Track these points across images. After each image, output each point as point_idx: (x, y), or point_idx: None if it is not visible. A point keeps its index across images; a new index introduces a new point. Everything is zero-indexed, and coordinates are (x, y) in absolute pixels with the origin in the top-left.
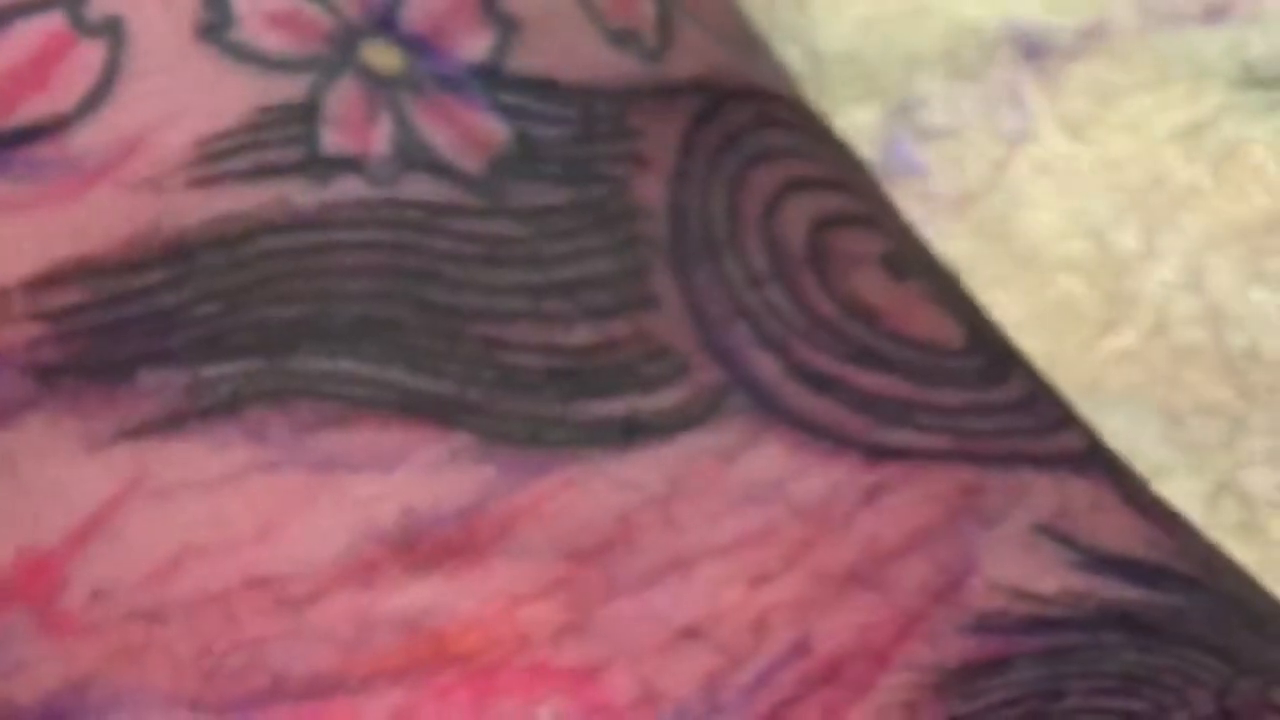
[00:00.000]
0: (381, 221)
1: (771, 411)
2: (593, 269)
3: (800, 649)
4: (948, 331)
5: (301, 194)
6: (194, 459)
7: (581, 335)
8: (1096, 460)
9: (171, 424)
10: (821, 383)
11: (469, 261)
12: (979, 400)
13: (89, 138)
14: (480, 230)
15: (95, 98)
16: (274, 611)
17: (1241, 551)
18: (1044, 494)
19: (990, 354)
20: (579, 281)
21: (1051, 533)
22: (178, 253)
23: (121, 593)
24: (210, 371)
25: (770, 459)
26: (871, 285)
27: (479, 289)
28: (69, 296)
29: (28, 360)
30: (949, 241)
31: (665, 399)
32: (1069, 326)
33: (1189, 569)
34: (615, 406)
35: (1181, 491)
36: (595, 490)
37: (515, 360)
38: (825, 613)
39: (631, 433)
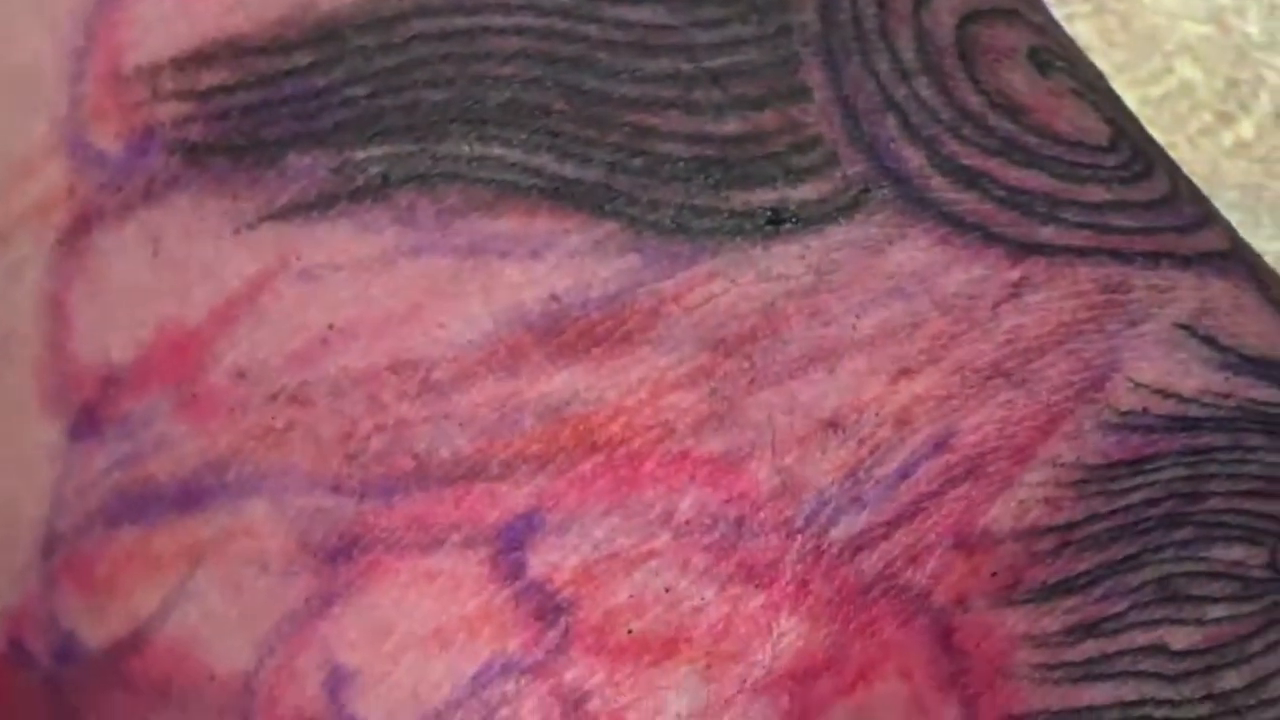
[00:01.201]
0: (534, 7)
1: (918, 205)
2: (743, 58)
3: (942, 443)
4: (1093, 127)
5: None
6: (341, 241)
7: (731, 125)
8: (1238, 260)
9: (320, 206)
10: (968, 177)
11: (620, 48)
12: (1123, 197)
13: None
14: (632, 17)
15: None
16: (418, 395)
17: None
18: (1187, 293)
19: (1134, 150)
20: (729, 70)
21: (1195, 332)
22: (328, 34)
23: (266, 374)
24: (359, 154)
25: (915, 252)
26: (1018, 80)
27: (630, 76)
28: (218, 76)
29: (176, 138)
30: (1072, 23)
31: (813, 190)
32: (1187, 115)
33: None
34: (763, 196)
35: None
36: (742, 280)
37: (664, 149)
38: (967, 408)
39: (778, 223)
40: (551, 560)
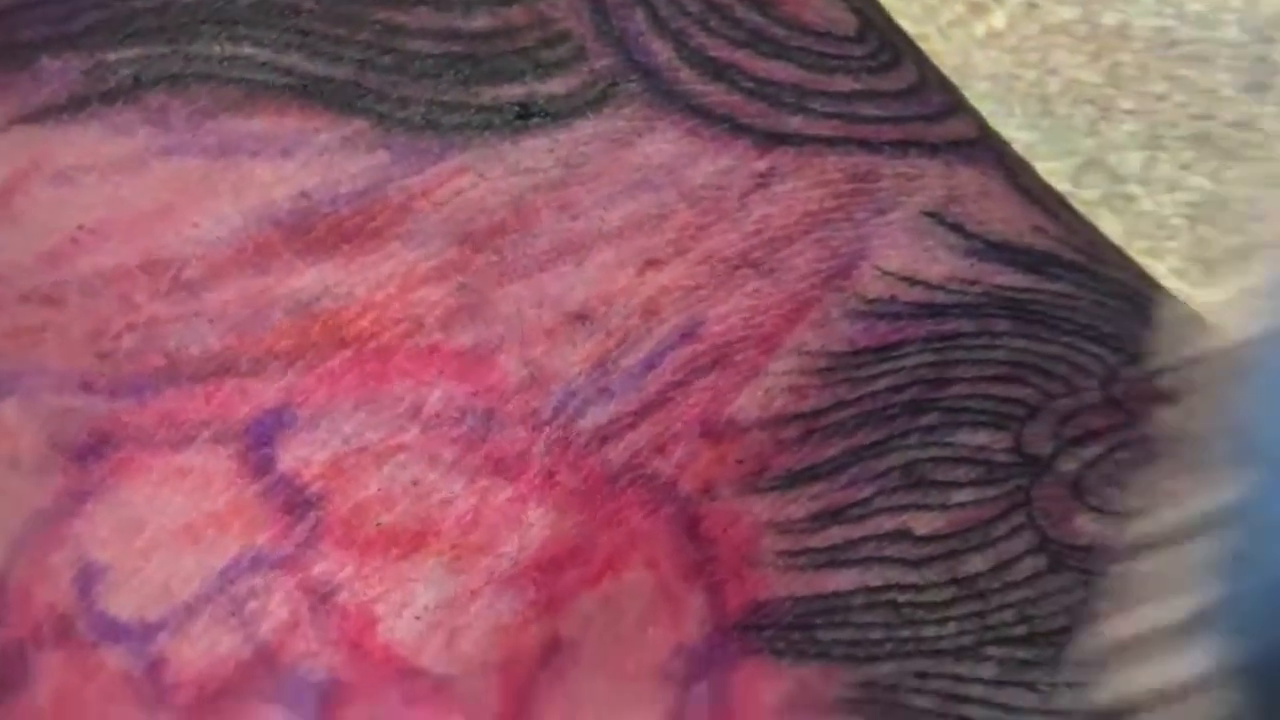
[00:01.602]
0: None
1: (665, 97)
2: None
3: (689, 333)
4: (840, 18)
5: None
6: (93, 143)
7: (480, 21)
8: (986, 147)
9: (71, 108)
10: (715, 68)
11: None
12: (871, 86)
13: None
14: None
15: None
16: (169, 293)
17: (1108, 222)
18: (935, 180)
19: (881, 40)
20: None
21: (942, 219)
22: None
23: (17, 275)
24: (111, 55)
25: (663, 144)
26: None
27: None
28: None
29: None
30: None
31: (561, 84)
32: (939, 6)
33: (1075, 255)
34: (512, 91)
35: (1045, 171)
36: (491, 175)
37: (413, 46)
38: (715, 298)
39: (526, 117)
40: (301, 455)
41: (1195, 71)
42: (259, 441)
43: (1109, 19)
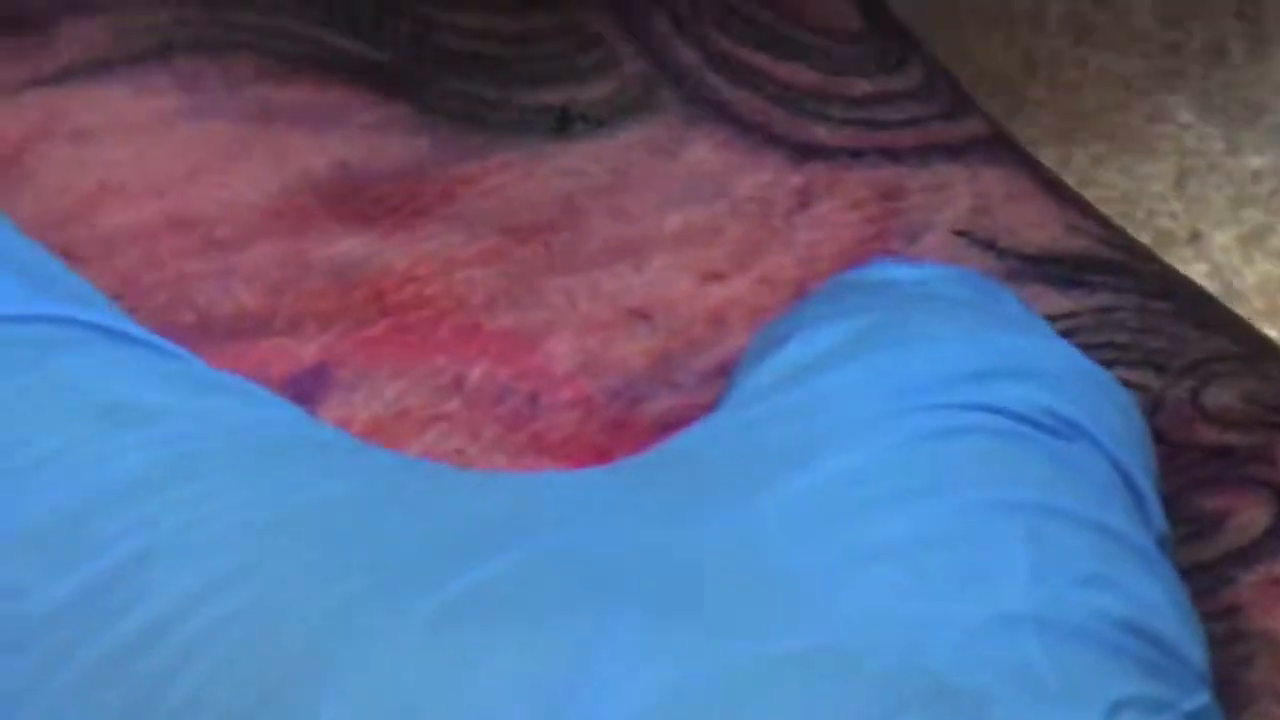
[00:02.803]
0: None
1: (699, 104)
2: None
3: None
4: (845, 16)
5: None
6: (117, 103)
7: (514, 24)
8: (1003, 144)
9: (92, 70)
10: (741, 73)
11: None
12: (884, 87)
13: None
14: None
15: None
16: (200, 252)
17: None
18: (961, 189)
19: (887, 38)
20: None
21: (973, 237)
22: None
23: (34, 233)
24: (141, 19)
25: (705, 154)
26: None
27: None
28: None
29: None
30: None
31: (599, 89)
32: None
33: (1113, 254)
34: (551, 96)
35: None
36: (538, 173)
37: (453, 43)
38: None
39: (568, 121)
40: (341, 414)
41: None
42: (298, 398)
43: None
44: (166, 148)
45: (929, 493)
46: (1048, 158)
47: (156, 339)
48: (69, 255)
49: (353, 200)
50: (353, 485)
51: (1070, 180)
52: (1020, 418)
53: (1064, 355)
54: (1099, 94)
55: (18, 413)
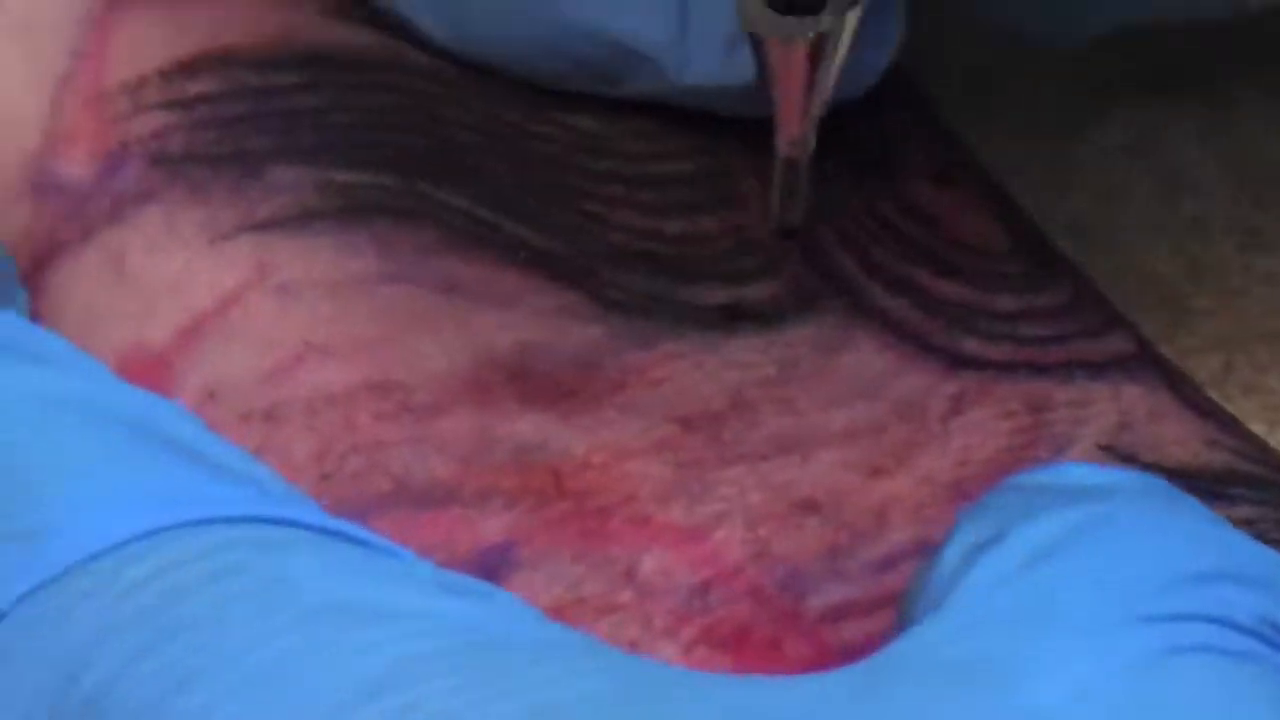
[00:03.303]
0: (487, 96)
1: (860, 311)
2: (679, 167)
3: (921, 547)
4: (995, 236)
5: (413, 53)
6: (321, 258)
7: (676, 225)
8: (1147, 361)
9: (301, 220)
10: (897, 284)
11: (566, 145)
12: (1031, 305)
13: None
14: (571, 121)
15: None
16: (396, 418)
17: None
18: (1105, 406)
19: (1035, 257)
20: (667, 177)
21: (1116, 452)
22: (312, 60)
23: (237, 393)
24: (342, 176)
25: (867, 355)
26: (926, 192)
27: (577, 170)
28: (206, 85)
29: (155, 149)
30: None
31: (764, 290)
32: None
33: (1252, 467)
34: (716, 294)
35: None
36: (706, 365)
37: (617, 239)
38: (940, 519)
39: (734, 319)
40: (524, 597)
41: None
42: (483, 572)
43: None
44: (365, 309)
45: None
46: (1210, 365)
47: (375, 537)
48: (272, 415)
49: (533, 381)
50: (598, 685)
51: (1234, 388)
52: (1247, 630)
53: (1276, 561)
54: (1264, 299)
55: (250, 613)
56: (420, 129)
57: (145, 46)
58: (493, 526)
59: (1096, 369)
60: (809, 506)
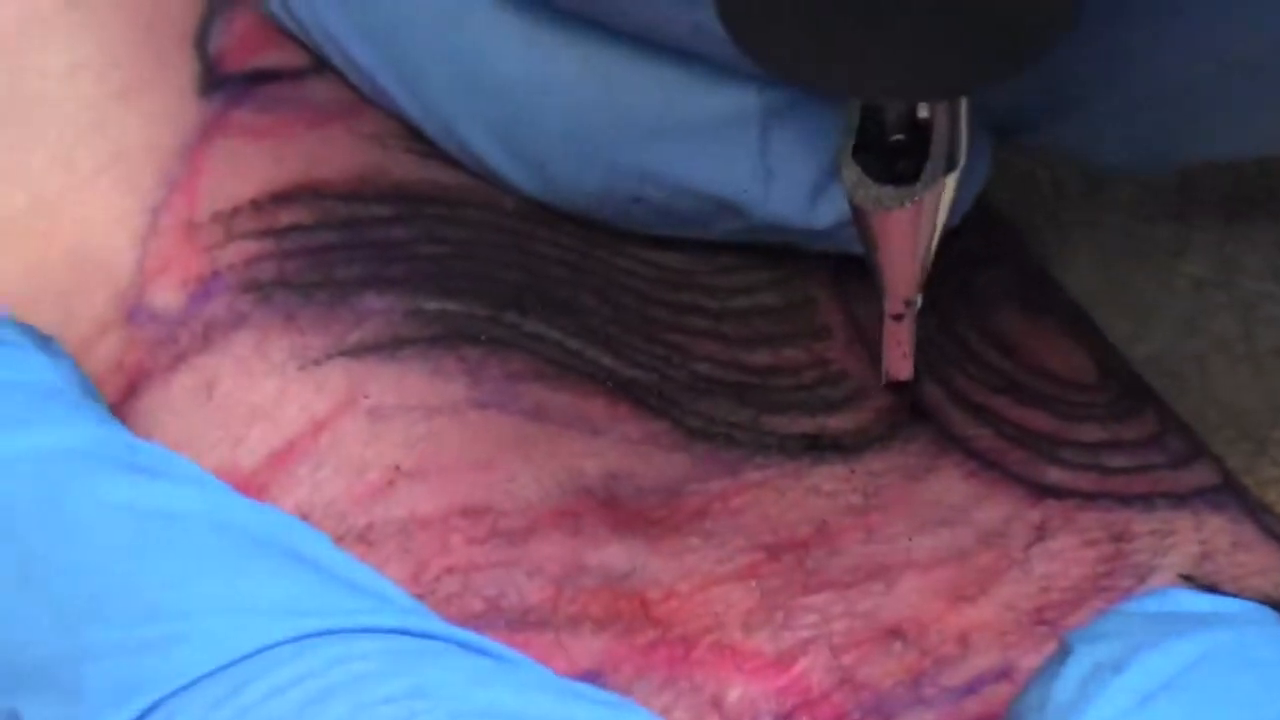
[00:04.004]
0: (576, 233)
1: (944, 439)
2: (764, 300)
3: (1003, 674)
4: (1082, 365)
5: (500, 190)
6: (412, 384)
7: (761, 357)
8: (1231, 493)
9: (392, 347)
10: (981, 413)
11: (652, 280)
12: (1116, 435)
13: (323, 91)
14: (658, 258)
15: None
16: (488, 541)
17: None
18: (1186, 535)
19: (1120, 388)
20: (752, 310)
21: (1197, 582)
22: (401, 195)
23: (331, 514)
24: (432, 304)
25: (951, 483)
26: (1010, 321)
27: (663, 304)
28: (298, 215)
29: (246, 277)
30: None
31: (848, 420)
32: None
33: None
34: (800, 424)
35: None
36: (790, 493)
37: (702, 369)
38: (1022, 646)
39: (818, 448)
40: None
41: None
42: None
43: None
44: (456, 434)
45: None
46: None
47: (501, 647)
48: (366, 537)
49: (620, 508)
50: None
51: None
52: None
53: None
54: None
55: None
56: (508, 262)
57: (238, 178)
58: (583, 652)
59: (1179, 499)
60: (893, 633)
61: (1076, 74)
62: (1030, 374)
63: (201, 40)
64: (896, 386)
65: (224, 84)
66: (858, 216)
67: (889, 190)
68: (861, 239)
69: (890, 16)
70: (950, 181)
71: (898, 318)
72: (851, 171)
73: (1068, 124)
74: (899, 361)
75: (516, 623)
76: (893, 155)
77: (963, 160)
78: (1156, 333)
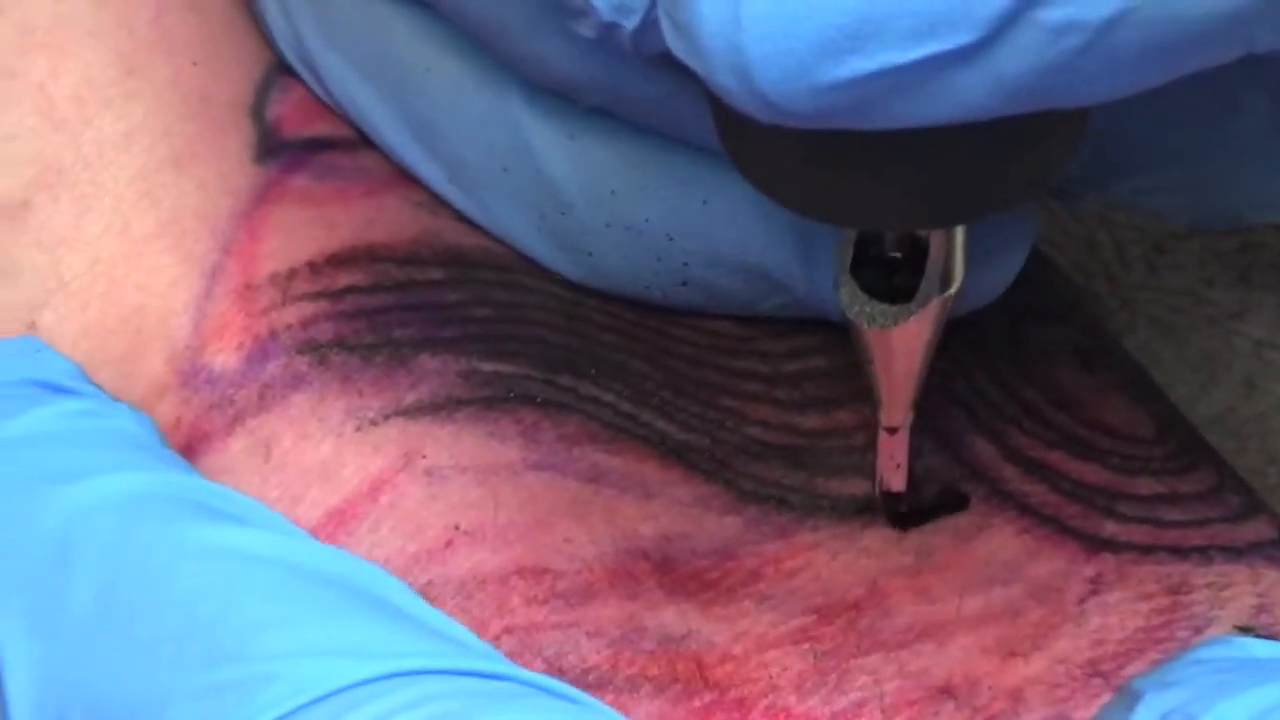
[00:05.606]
0: (626, 304)
1: (997, 496)
2: (815, 364)
3: None
4: (1139, 420)
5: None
6: (468, 445)
7: (812, 420)
8: None
9: (448, 407)
10: (1035, 468)
11: (705, 347)
12: (1173, 489)
13: (375, 161)
14: (710, 325)
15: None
16: (547, 602)
17: None
18: (1243, 588)
19: (1178, 443)
20: (804, 374)
21: (1255, 634)
22: (456, 259)
23: (390, 572)
24: (486, 366)
25: (1004, 540)
26: (1068, 377)
27: (715, 368)
28: (354, 277)
29: (303, 338)
30: None
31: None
32: None
33: None
34: (855, 486)
35: None
36: (842, 555)
37: (754, 433)
38: (1075, 700)
39: (873, 510)
40: None
41: None
42: None
43: None
44: (512, 495)
45: None
46: None
47: (575, 691)
48: (425, 596)
49: (675, 571)
50: None
51: None
52: None
53: None
54: None
55: None
56: (560, 327)
57: (294, 242)
58: (642, 713)
59: (1236, 553)
60: (945, 692)
61: (1137, 137)
62: (1087, 429)
63: (259, 109)
64: (891, 497)
65: (280, 151)
66: (853, 332)
67: (883, 308)
68: (858, 353)
69: (889, 163)
70: (946, 300)
71: (892, 431)
72: (848, 288)
73: (1133, 181)
74: (892, 473)
75: (577, 683)
76: (890, 270)
77: (959, 280)
78: (1216, 394)
